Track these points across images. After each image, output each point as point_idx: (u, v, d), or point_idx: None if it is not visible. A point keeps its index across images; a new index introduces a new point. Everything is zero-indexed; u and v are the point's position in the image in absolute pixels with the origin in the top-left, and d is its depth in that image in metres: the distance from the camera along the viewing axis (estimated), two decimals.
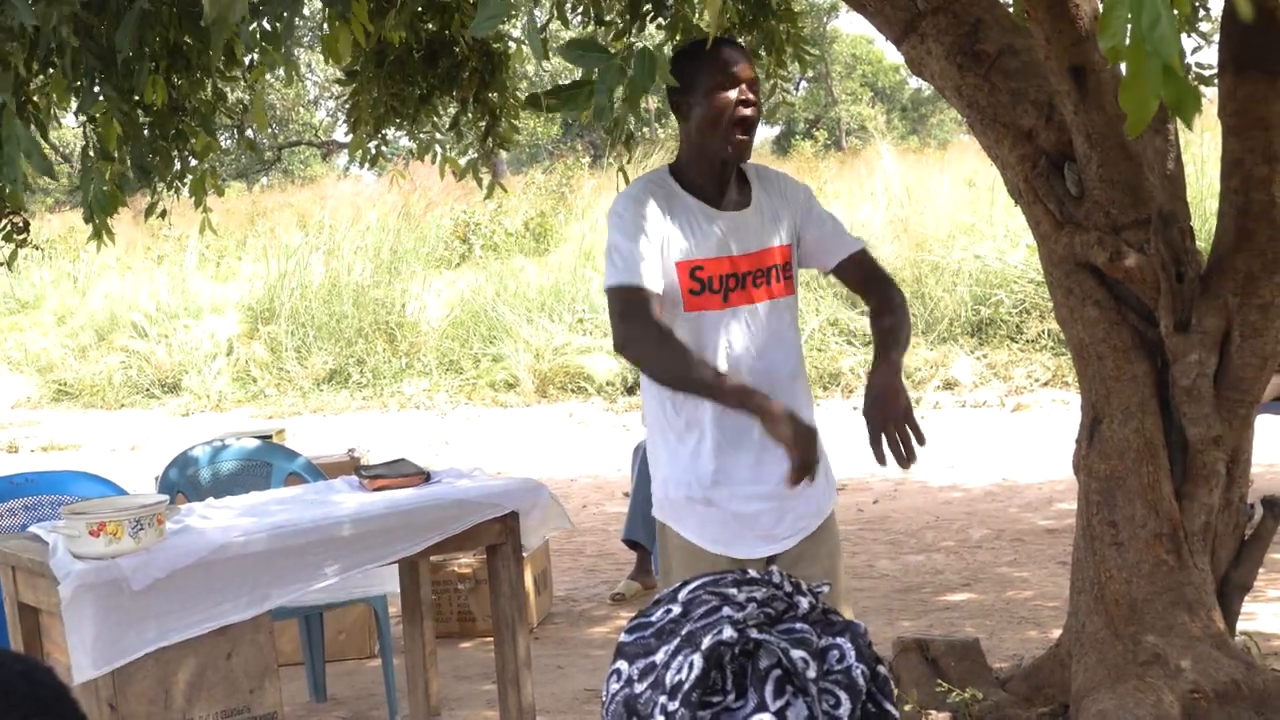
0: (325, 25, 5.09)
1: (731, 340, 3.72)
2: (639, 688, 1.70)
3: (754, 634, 1.67)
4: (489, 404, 15.29)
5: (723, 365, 3.70)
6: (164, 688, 4.04)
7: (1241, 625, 4.93)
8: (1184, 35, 6.29)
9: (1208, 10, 6.48)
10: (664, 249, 3.67)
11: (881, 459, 3.50)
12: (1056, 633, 5.10)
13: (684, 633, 1.70)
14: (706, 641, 1.66)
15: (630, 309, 3.59)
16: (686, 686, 1.64)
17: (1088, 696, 4.45)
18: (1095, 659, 4.55)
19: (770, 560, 3.79)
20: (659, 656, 1.70)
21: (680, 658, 1.67)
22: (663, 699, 1.66)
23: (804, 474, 3.42)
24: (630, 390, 14.78)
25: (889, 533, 8.60)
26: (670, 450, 3.77)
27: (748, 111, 3.69)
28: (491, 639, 4.85)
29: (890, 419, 3.51)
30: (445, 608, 6.77)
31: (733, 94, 3.68)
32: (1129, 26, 1.55)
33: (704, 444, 3.72)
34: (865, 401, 3.57)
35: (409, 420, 14.80)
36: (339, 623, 6.43)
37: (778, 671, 1.65)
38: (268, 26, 6.90)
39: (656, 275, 3.63)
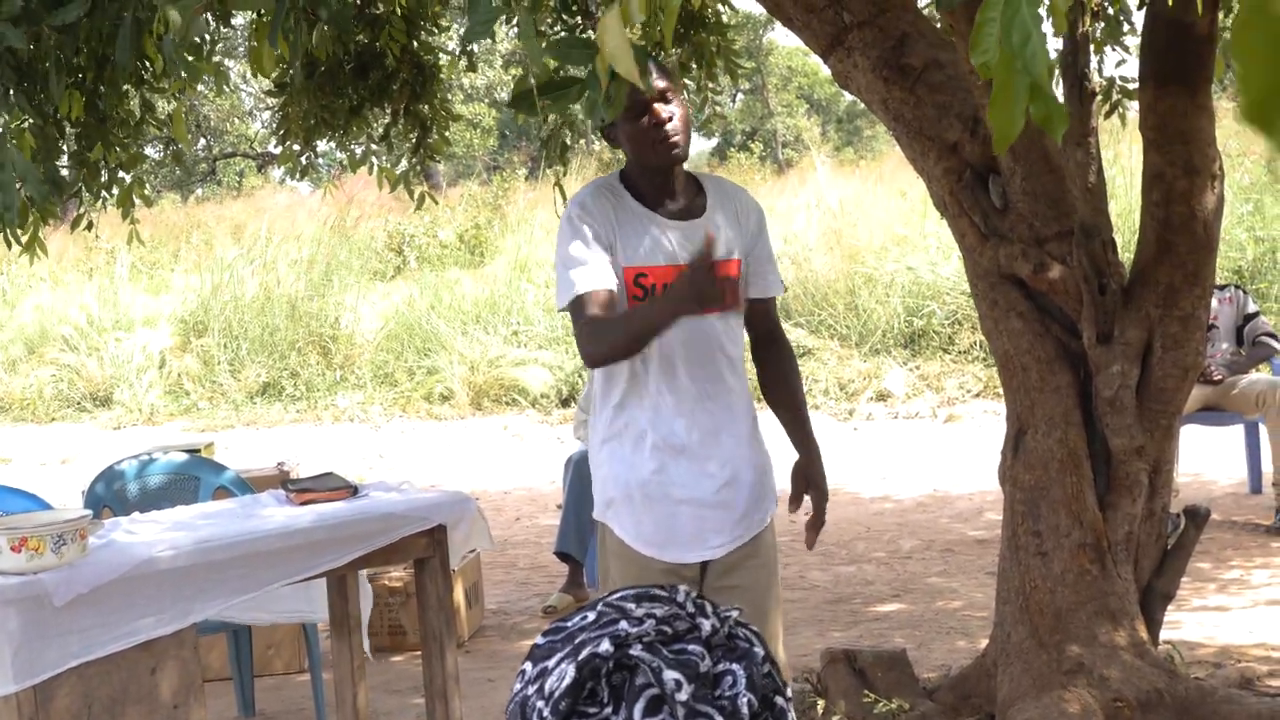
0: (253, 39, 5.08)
1: (671, 349, 3.73)
2: (530, 690, 1.72)
3: (634, 650, 1.68)
4: (423, 417, 15.24)
5: (660, 373, 3.73)
6: (87, 703, 4.00)
7: (1165, 634, 4.98)
8: (1108, 49, 6.35)
9: (1132, 24, 6.53)
10: (613, 252, 3.70)
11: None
12: (985, 642, 5.14)
13: (577, 641, 1.72)
14: (584, 653, 1.67)
15: (587, 314, 3.65)
16: (557, 694, 1.66)
17: (1013, 706, 4.49)
18: (1020, 668, 4.58)
19: (704, 567, 3.81)
20: (551, 662, 1.72)
21: (562, 665, 1.69)
22: (540, 703, 1.68)
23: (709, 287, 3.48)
24: (565, 403, 14.77)
25: (820, 544, 8.61)
26: (610, 450, 3.79)
27: (667, 128, 3.72)
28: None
29: (818, 517, 4.01)
30: (376, 621, 6.74)
31: (647, 117, 3.71)
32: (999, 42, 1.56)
33: (643, 444, 3.74)
34: (795, 487, 4.01)
35: (343, 433, 14.74)
36: (268, 637, 6.39)
37: (652, 690, 1.66)
38: (199, 38, 6.88)
39: (609, 275, 3.67)
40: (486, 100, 35.22)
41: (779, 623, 3.99)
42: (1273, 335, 8.37)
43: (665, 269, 3.73)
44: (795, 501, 3.99)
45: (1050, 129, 1.65)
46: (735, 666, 1.74)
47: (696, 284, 3.43)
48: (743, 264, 3.90)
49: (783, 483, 3.95)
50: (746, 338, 4.03)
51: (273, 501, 4.87)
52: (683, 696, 1.66)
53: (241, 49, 26.78)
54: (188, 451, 6.21)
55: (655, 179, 3.80)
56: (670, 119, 3.72)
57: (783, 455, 4.06)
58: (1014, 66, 1.49)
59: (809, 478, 4.01)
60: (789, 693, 1.79)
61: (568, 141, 7.57)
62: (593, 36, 3.28)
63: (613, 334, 3.62)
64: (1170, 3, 4.41)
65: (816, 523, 4.01)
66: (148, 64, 6.03)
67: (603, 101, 2.94)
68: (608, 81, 2.74)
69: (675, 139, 3.74)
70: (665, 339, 3.70)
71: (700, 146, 42.35)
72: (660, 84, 3.72)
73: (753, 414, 3.93)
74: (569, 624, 1.79)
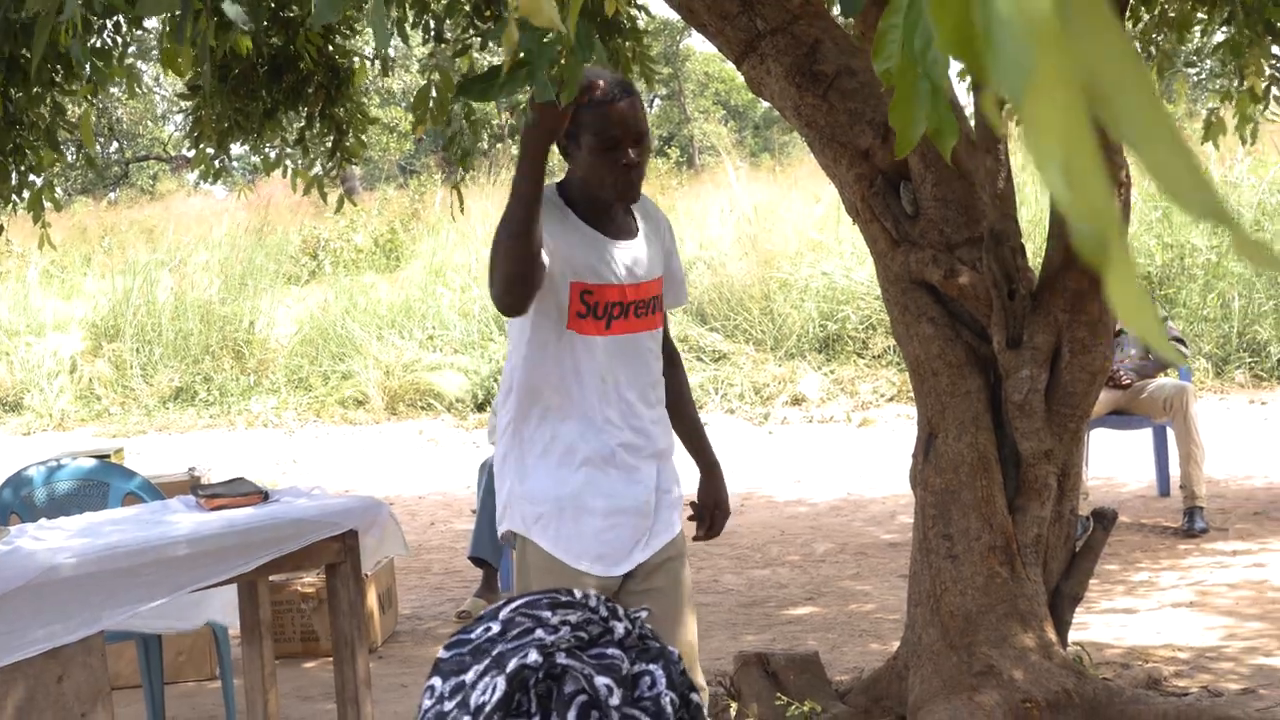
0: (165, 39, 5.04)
1: (607, 366, 3.73)
2: (448, 705, 1.71)
3: (561, 659, 1.68)
4: (338, 421, 15.17)
5: (595, 389, 3.72)
6: None
7: (1074, 635, 5.03)
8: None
9: None
10: (556, 258, 3.64)
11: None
12: (896, 645, 5.17)
13: (494, 653, 1.71)
14: (511, 664, 1.67)
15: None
16: (489, 708, 1.65)
17: (923, 708, 4.52)
18: (931, 670, 4.62)
19: (629, 574, 3.82)
20: (469, 676, 1.71)
21: (487, 679, 1.68)
22: (466, 718, 1.67)
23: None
24: (480, 408, 14.74)
25: (735, 547, 8.66)
26: (530, 466, 3.76)
27: (632, 171, 3.69)
28: None
29: (718, 531, 4.10)
30: (289, 627, 6.70)
31: (616, 154, 3.66)
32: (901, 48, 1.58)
33: (573, 458, 3.72)
34: (703, 509, 4.07)
35: (257, 438, 14.64)
36: (178, 644, 6.34)
37: (583, 697, 1.66)
38: (110, 40, 6.82)
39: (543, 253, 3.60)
40: (403, 104, 35.09)
41: (694, 620, 4.01)
42: (1180, 340, 8.49)
43: (608, 287, 3.71)
44: (702, 523, 4.07)
45: (939, 141, 1.67)
46: (653, 667, 1.75)
47: (539, 115, 3.38)
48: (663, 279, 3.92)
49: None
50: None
51: (182, 507, 4.83)
52: (615, 701, 1.67)
53: (156, 52, 26.57)
54: (97, 457, 6.15)
55: (596, 203, 3.78)
56: (638, 164, 3.70)
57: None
58: (916, 72, 1.51)
59: (716, 500, 4.09)
60: (700, 687, 1.80)
61: (467, 146, 7.52)
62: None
63: (500, 235, 3.49)
64: None
65: (712, 535, 4.11)
66: (58, 66, 5.97)
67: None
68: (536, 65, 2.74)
69: (636, 190, 3.73)
70: (604, 357, 3.70)
71: None
72: (636, 130, 3.69)
73: (669, 426, 3.95)
74: (473, 635, 1.78)
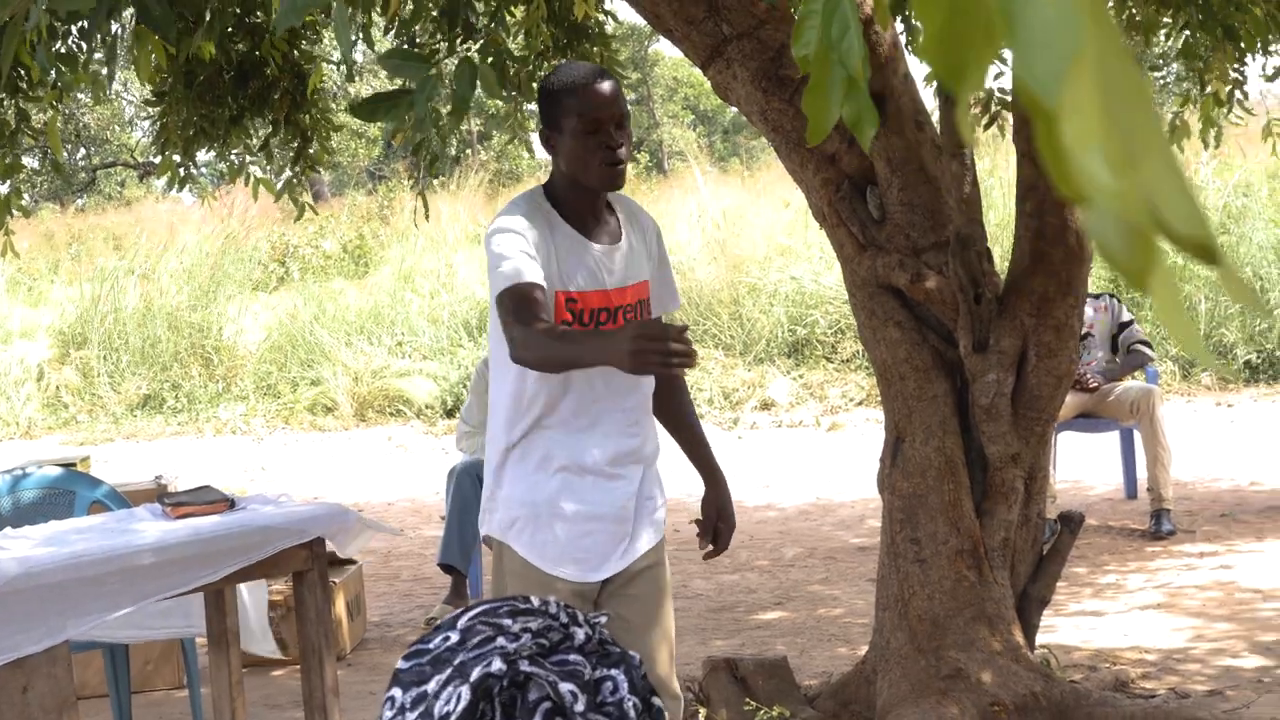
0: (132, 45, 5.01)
1: (597, 374, 3.71)
2: (410, 717, 1.70)
3: (524, 666, 1.68)
4: (307, 428, 15.12)
5: (579, 402, 3.70)
6: None
7: (1041, 638, 5.04)
8: None
9: None
10: (547, 267, 3.63)
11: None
12: (865, 649, 5.18)
13: (456, 663, 1.70)
14: (475, 673, 1.66)
15: (520, 309, 3.48)
16: (453, 718, 1.64)
17: (891, 712, 4.53)
18: (899, 674, 4.63)
19: (606, 581, 3.80)
20: (431, 686, 1.70)
21: (450, 689, 1.67)
22: None
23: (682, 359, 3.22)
24: (449, 414, 14.70)
25: None
26: (511, 469, 3.75)
27: (616, 152, 3.67)
28: None
29: (724, 544, 4.02)
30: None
31: (599, 136, 3.65)
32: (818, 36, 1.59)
33: (549, 464, 3.71)
34: (706, 521, 4.00)
35: (225, 445, 14.58)
36: (146, 653, 6.31)
37: (547, 704, 1.66)
38: (75, 46, 6.80)
39: (540, 272, 3.57)
40: None
41: (672, 628, 4.00)
42: (1146, 343, 8.52)
43: (592, 294, 3.70)
44: (706, 534, 4.00)
45: (858, 130, 1.67)
46: (614, 672, 1.75)
47: (643, 352, 3.19)
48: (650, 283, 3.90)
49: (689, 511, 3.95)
50: None
51: (148, 516, 4.80)
52: (580, 708, 1.66)
53: (122, 57, 26.47)
54: (63, 466, 6.11)
55: (584, 197, 3.76)
56: (621, 146, 3.69)
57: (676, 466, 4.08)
58: (831, 59, 1.51)
59: (720, 511, 4.02)
60: (675, 694, 1.80)
61: (436, 152, 7.49)
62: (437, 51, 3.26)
63: (543, 350, 3.46)
64: None
65: (720, 550, 4.05)
66: (23, 72, 5.95)
67: (428, 115, 2.91)
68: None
69: (621, 167, 3.71)
70: (594, 370, 3.67)
71: None
72: (616, 113, 3.67)
73: (657, 434, 3.94)
74: (431, 645, 1.77)
